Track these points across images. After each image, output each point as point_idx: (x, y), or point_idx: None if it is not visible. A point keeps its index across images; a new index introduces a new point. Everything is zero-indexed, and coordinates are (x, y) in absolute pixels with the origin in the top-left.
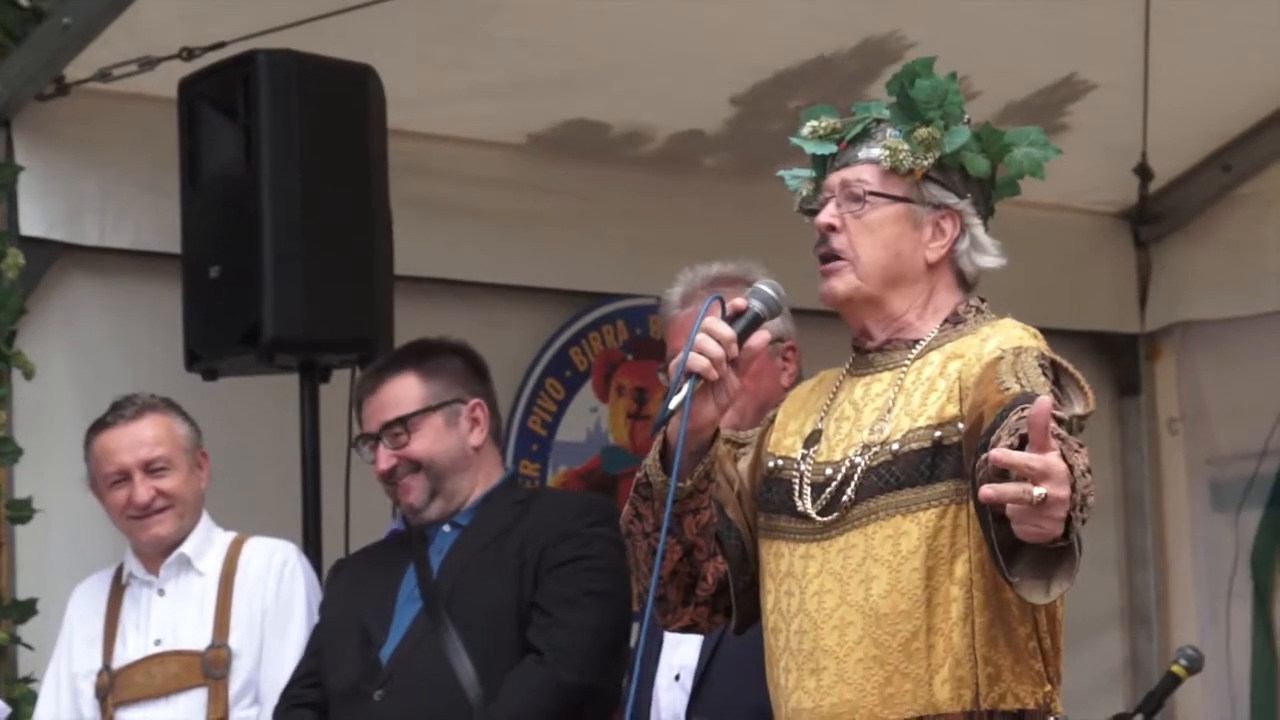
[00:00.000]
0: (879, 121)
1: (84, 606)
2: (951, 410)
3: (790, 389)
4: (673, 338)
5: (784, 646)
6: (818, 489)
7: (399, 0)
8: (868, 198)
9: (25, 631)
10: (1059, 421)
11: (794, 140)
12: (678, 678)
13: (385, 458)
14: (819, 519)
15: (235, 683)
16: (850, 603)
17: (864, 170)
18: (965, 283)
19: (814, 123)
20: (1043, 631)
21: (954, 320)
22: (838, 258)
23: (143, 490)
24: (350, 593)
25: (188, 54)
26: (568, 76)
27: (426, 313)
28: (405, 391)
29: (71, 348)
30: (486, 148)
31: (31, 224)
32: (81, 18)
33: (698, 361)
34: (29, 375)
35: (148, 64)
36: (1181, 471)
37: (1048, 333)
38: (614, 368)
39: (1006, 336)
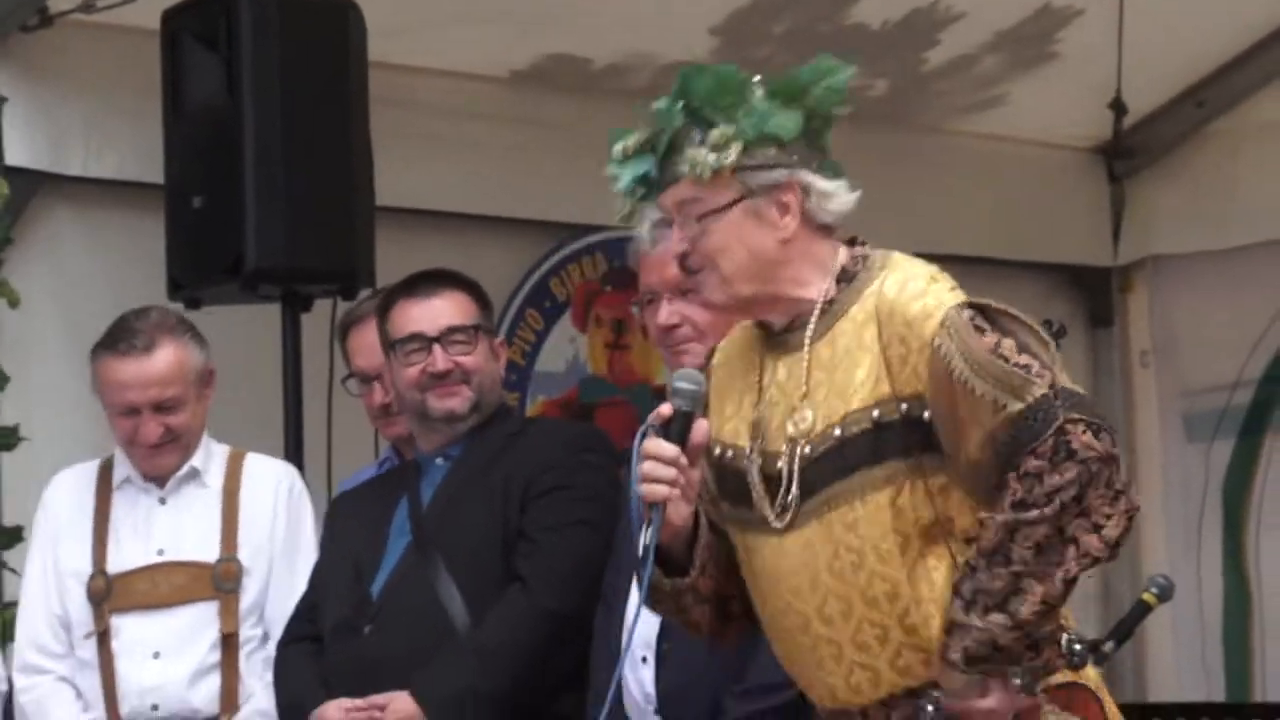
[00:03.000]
0: (684, 127)
1: (68, 501)
2: (884, 389)
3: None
4: (645, 274)
5: (789, 641)
6: (771, 483)
7: None
8: (701, 219)
9: (11, 557)
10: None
11: (611, 170)
12: (644, 660)
13: (443, 359)
14: (776, 522)
15: (244, 599)
16: (838, 595)
17: (685, 189)
18: (829, 230)
19: (621, 144)
20: None
21: (846, 278)
22: (699, 273)
23: (152, 428)
24: (345, 527)
25: None
26: (549, 7)
27: (408, 243)
28: (465, 306)
29: (55, 277)
30: (468, 80)
31: (15, 154)
32: None
33: (657, 491)
34: (14, 305)
35: None
36: (1153, 403)
37: (1022, 266)
38: (593, 298)
39: (915, 294)
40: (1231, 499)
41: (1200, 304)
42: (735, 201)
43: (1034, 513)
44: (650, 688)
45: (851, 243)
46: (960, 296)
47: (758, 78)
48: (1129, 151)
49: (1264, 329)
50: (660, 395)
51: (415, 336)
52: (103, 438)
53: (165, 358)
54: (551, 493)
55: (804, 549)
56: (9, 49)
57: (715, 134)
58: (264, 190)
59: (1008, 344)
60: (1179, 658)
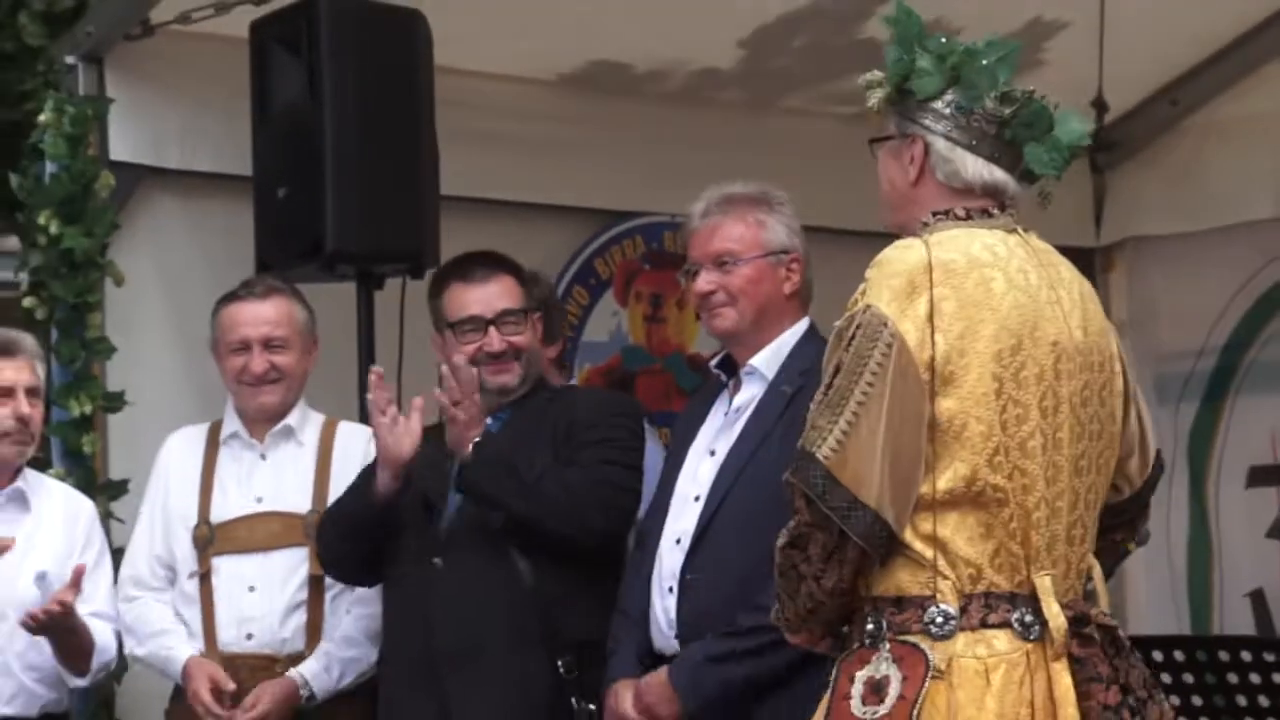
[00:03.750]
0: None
1: (180, 452)
2: None
3: (790, 298)
4: (692, 248)
5: None
6: None
7: None
8: (871, 143)
9: (116, 507)
10: None
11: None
12: (678, 541)
13: (499, 340)
14: None
15: None
16: None
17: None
18: (959, 192)
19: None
20: (938, 523)
21: (917, 232)
22: None
23: (259, 362)
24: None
25: None
26: (593, 18)
27: (468, 228)
28: (514, 289)
29: (157, 258)
30: (522, 83)
31: (121, 149)
32: None
33: None
34: (119, 283)
35: (223, 8)
36: (1130, 369)
37: None
38: (633, 276)
39: (872, 265)
40: (1196, 455)
41: (1172, 280)
42: (885, 138)
43: (780, 540)
44: (674, 614)
45: (968, 211)
46: (882, 298)
47: (944, 38)
48: (1110, 145)
49: (1227, 303)
50: (693, 363)
51: (472, 319)
52: (197, 402)
53: (277, 304)
54: (592, 444)
55: None
56: (115, 56)
57: (866, 76)
58: (341, 181)
59: (827, 374)
60: (1151, 595)
